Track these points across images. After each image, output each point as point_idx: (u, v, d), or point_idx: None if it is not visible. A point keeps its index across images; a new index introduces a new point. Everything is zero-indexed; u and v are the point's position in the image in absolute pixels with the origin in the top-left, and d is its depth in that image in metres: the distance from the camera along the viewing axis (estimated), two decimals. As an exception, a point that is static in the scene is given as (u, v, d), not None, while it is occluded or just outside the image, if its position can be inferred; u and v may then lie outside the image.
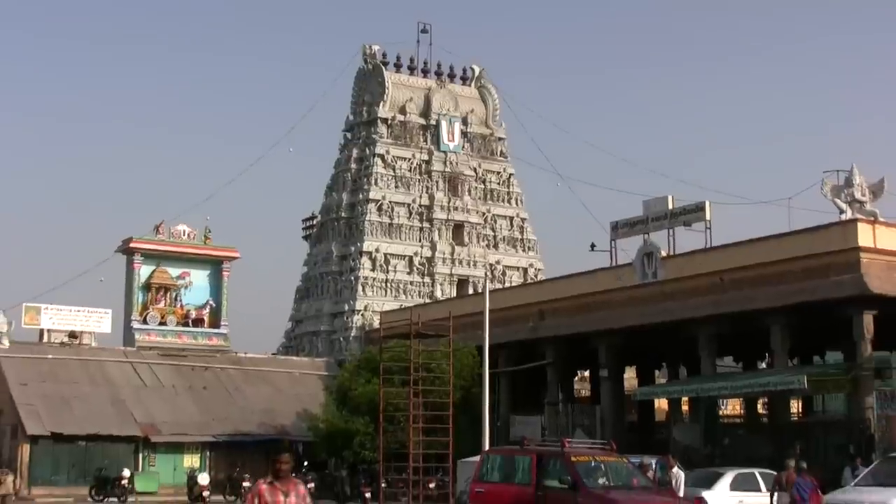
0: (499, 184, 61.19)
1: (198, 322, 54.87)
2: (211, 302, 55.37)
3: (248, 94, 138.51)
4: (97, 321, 51.01)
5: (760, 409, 42.96)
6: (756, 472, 24.99)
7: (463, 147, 60.45)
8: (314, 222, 62.43)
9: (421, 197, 58.24)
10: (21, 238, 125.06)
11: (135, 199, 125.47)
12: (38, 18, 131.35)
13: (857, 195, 33.40)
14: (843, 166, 34.45)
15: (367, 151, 58.90)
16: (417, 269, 57.15)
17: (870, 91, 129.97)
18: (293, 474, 9.60)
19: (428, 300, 53.90)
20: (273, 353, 57.38)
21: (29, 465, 42.58)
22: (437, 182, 58.77)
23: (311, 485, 39.74)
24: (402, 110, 59.78)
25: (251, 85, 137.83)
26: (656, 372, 48.27)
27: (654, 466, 26.28)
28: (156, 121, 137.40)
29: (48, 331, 49.74)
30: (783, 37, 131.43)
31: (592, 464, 20.07)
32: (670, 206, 40.47)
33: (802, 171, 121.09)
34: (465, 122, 61.03)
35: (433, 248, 57.48)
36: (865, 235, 31.35)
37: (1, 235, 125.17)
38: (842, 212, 33.19)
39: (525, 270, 59.50)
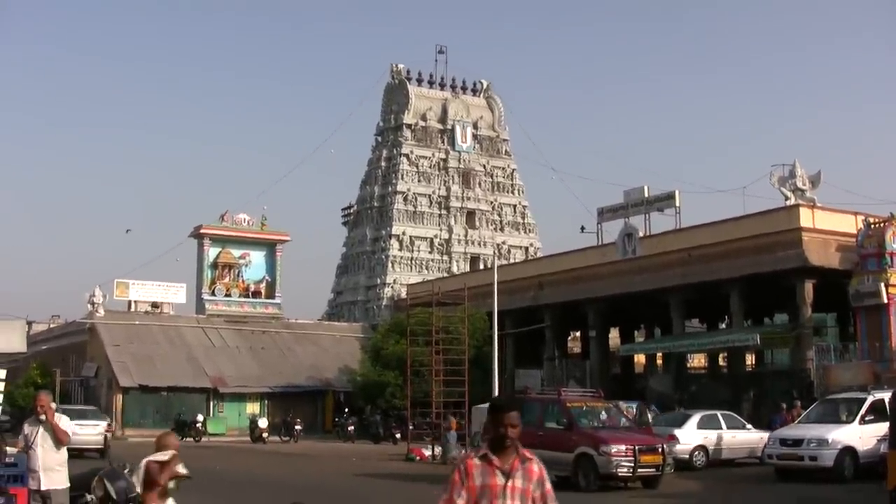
0: (504, 177, 61.11)
1: (256, 294, 55.24)
2: (267, 277, 55.70)
3: (297, 107, 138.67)
4: (174, 293, 51.45)
5: (721, 361, 42.89)
6: (718, 413, 25.06)
7: (474, 147, 60.35)
8: (351, 210, 62.47)
9: (439, 189, 58.23)
10: (112, 226, 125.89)
11: (204, 193, 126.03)
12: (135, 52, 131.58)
13: (799, 185, 33.46)
14: (787, 160, 34.66)
15: (395, 151, 58.93)
16: (437, 248, 57.20)
17: (812, 96, 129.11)
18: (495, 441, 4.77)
19: (446, 274, 53.87)
20: (318, 319, 57.56)
21: (122, 410, 43.10)
22: (452, 176, 58.73)
23: (352, 428, 39.98)
24: (424, 117, 59.73)
25: (299, 99, 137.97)
26: (635, 332, 48.27)
27: (634, 410, 26.50)
28: (222, 128, 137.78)
29: (135, 301, 50.19)
30: (738, 55, 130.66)
31: (583, 408, 20.32)
32: (646, 195, 40.46)
33: (754, 165, 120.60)
34: (475, 126, 60.91)
35: (450, 231, 57.49)
36: (806, 218, 31.48)
37: (97, 225, 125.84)
38: (787, 199, 33.28)
39: (526, 249, 59.46)
